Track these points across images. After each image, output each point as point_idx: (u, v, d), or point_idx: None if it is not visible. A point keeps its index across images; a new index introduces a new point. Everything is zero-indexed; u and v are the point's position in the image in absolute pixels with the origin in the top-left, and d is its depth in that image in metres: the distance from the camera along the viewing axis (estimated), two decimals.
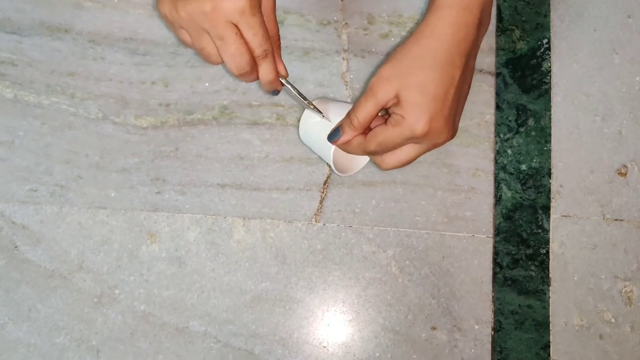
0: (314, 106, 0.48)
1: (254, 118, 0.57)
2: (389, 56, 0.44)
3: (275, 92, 0.47)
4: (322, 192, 0.56)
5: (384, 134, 0.43)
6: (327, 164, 0.53)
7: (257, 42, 0.40)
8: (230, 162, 0.56)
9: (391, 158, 0.45)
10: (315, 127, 0.50)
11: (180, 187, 0.56)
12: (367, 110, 0.43)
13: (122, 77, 0.57)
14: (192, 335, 0.54)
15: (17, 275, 0.55)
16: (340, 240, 0.56)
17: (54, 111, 0.57)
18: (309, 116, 0.51)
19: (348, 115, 0.45)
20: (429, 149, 0.44)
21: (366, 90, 0.43)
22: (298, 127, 0.53)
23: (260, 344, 0.54)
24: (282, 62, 0.45)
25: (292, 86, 0.46)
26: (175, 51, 0.57)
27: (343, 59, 0.57)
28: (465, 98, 0.45)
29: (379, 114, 0.45)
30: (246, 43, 0.40)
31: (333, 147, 0.48)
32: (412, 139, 0.42)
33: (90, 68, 0.57)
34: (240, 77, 0.42)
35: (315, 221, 0.56)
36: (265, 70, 0.43)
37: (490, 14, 0.45)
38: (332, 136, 0.47)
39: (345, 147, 0.47)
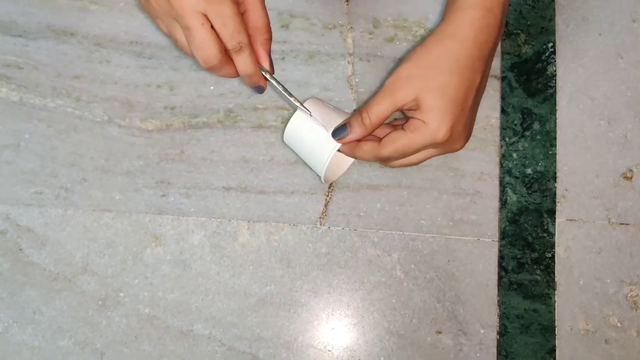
0: (301, 104, 0.45)
1: (259, 121, 0.57)
2: (407, 55, 0.42)
3: (259, 89, 0.43)
4: (327, 196, 0.56)
5: (402, 139, 0.40)
6: (313, 170, 0.49)
7: (227, 33, 0.37)
8: (235, 165, 0.56)
9: (401, 160, 0.43)
10: (305, 129, 0.46)
11: (185, 190, 0.56)
12: (381, 109, 0.41)
13: (127, 80, 0.57)
14: (197, 339, 0.54)
15: (21, 278, 0.55)
16: (345, 243, 0.55)
17: (59, 114, 0.57)
18: (299, 117, 0.47)
19: (359, 112, 0.42)
20: (440, 154, 0.42)
21: (382, 88, 0.41)
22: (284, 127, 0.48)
23: (265, 348, 0.54)
24: (269, 56, 0.42)
25: (277, 82, 0.43)
26: (181, 54, 0.57)
27: (348, 62, 0.57)
28: (480, 102, 0.44)
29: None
30: (217, 34, 0.38)
31: (330, 153, 0.44)
32: (432, 145, 0.41)
33: (95, 71, 0.57)
34: (210, 70, 0.40)
35: (320, 224, 0.56)
36: (241, 64, 0.39)
37: (506, 16, 0.43)
38: (338, 133, 0.43)
39: (353, 151, 0.44)
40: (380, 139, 0.43)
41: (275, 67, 0.45)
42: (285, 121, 0.57)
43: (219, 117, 0.57)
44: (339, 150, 0.45)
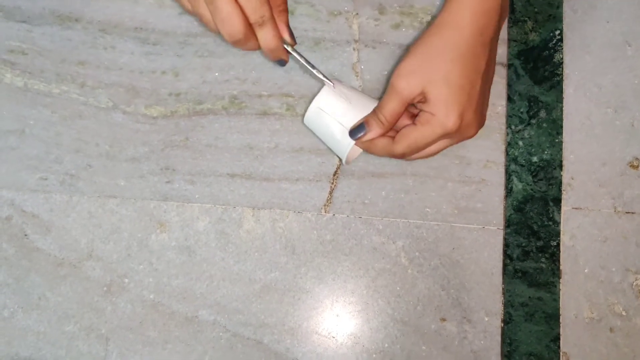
0: (324, 75, 0.46)
1: (263, 108, 0.57)
2: (408, 50, 0.42)
3: (282, 62, 0.43)
4: (332, 183, 0.56)
5: (413, 134, 0.41)
6: (335, 153, 0.50)
7: (251, 7, 0.37)
8: (240, 152, 0.56)
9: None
10: (328, 118, 0.47)
11: (190, 176, 0.56)
12: (392, 108, 0.41)
13: (132, 66, 0.57)
14: (201, 325, 0.54)
15: (26, 264, 0.55)
16: (350, 231, 0.55)
17: (64, 100, 0.57)
18: (325, 102, 0.47)
19: (374, 112, 0.43)
20: (454, 143, 0.42)
21: (388, 87, 0.42)
22: (306, 109, 0.49)
23: (269, 334, 0.54)
24: (289, 28, 0.42)
25: (299, 54, 0.43)
26: (185, 41, 0.57)
27: (354, 49, 0.57)
28: (490, 87, 0.43)
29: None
30: (241, 8, 0.38)
31: (350, 143, 0.45)
32: (444, 136, 0.41)
33: (100, 57, 0.57)
34: (234, 45, 0.40)
35: (325, 212, 0.56)
36: (264, 38, 0.39)
37: (508, 0, 0.43)
38: (356, 132, 0.44)
39: (369, 148, 0.45)
40: (393, 136, 0.43)
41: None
42: (291, 108, 0.57)
43: (223, 103, 0.57)
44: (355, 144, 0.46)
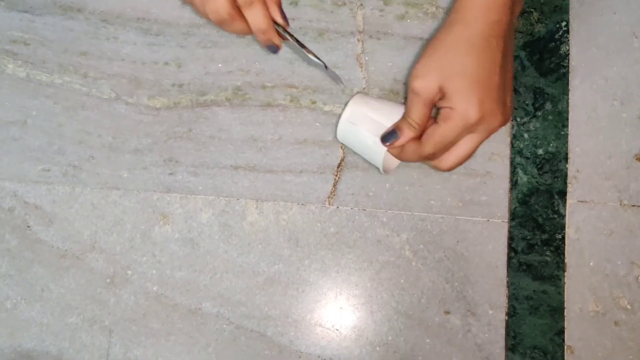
0: (317, 57, 0.45)
1: (267, 100, 0.56)
2: (421, 52, 0.42)
3: (274, 48, 0.43)
4: (336, 175, 0.56)
5: (437, 131, 0.41)
6: (373, 164, 0.50)
7: None
8: (243, 143, 0.56)
9: (449, 156, 0.43)
10: (363, 127, 0.47)
11: (193, 168, 0.55)
12: (418, 110, 0.41)
13: (134, 57, 0.57)
14: (205, 317, 0.54)
15: (29, 255, 0.55)
16: (354, 223, 0.55)
17: (66, 91, 0.56)
18: (353, 114, 0.48)
19: (404, 118, 0.43)
20: (485, 137, 0.42)
21: (408, 92, 0.42)
22: (337, 123, 0.49)
23: (273, 326, 0.54)
24: (281, 9, 0.41)
25: (290, 35, 0.42)
26: (188, 32, 0.57)
27: (358, 40, 0.57)
28: (512, 78, 0.43)
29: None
30: None
31: (383, 154, 0.46)
32: (468, 129, 0.40)
33: (102, 48, 0.57)
34: (220, 25, 0.39)
35: (329, 204, 0.55)
36: (253, 18, 0.39)
37: None
38: (388, 137, 0.44)
39: (400, 155, 0.44)
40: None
41: (283, 45, 0.45)
42: (294, 99, 0.56)
43: (227, 95, 0.56)
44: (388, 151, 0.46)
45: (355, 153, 0.53)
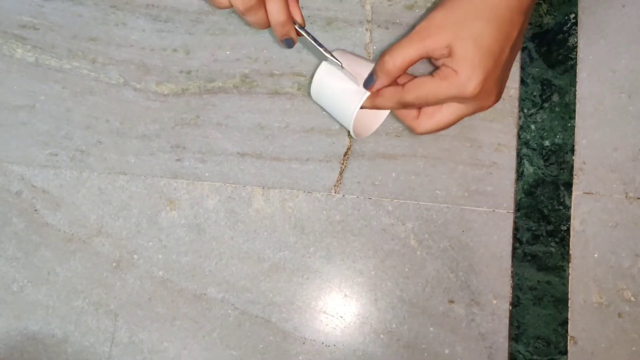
0: (334, 57, 0.45)
1: (275, 87, 0.56)
2: (441, 2, 0.39)
3: (290, 42, 0.43)
4: (342, 164, 0.56)
5: (428, 85, 0.39)
6: (343, 125, 0.49)
7: None
8: (250, 131, 0.56)
9: (428, 121, 0.41)
10: (334, 83, 0.46)
11: (201, 155, 0.56)
12: (408, 53, 0.39)
13: (143, 43, 0.57)
14: (210, 302, 0.54)
15: (36, 239, 0.55)
16: (359, 211, 0.55)
17: (75, 76, 0.56)
18: (326, 71, 0.47)
19: (381, 58, 0.41)
20: (470, 114, 0.40)
21: (411, 33, 0.39)
22: (310, 82, 0.49)
23: (277, 312, 0.54)
24: (299, 9, 0.41)
25: (308, 34, 0.43)
26: (197, 19, 0.57)
27: (366, 29, 0.57)
28: (514, 61, 0.41)
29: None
30: None
31: (357, 106, 0.44)
32: (458, 98, 0.39)
33: (111, 34, 0.57)
34: (245, 13, 0.39)
35: (335, 192, 0.55)
36: (274, 10, 0.39)
37: None
38: (368, 82, 0.42)
39: (374, 101, 0.43)
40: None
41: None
42: (302, 87, 0.56)
43: (234, 82, 0.56)
44: (361, 108, 0.44)
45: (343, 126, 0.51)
